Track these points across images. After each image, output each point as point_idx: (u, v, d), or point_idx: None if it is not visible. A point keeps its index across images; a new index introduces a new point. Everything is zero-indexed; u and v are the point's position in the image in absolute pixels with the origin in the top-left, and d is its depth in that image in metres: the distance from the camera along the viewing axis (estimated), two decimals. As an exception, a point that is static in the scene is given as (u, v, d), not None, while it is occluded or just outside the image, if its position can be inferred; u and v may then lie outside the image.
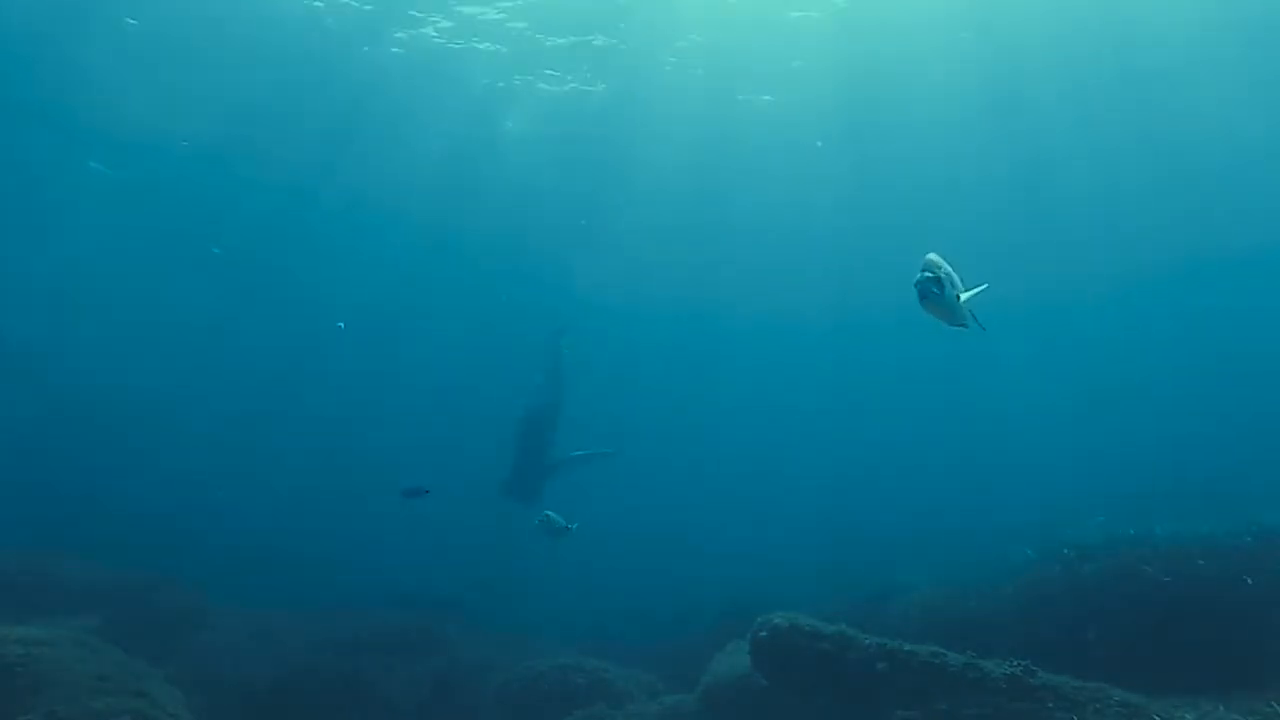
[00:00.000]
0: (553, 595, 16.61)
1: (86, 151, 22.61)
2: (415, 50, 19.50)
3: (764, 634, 7.80)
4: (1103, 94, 20.12)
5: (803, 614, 7.77)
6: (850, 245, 26.09)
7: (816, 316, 30.92)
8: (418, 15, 18.53)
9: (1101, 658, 7.64)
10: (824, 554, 18.06)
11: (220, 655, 11.43)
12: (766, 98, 21.19)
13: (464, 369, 32.74)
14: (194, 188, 24.44)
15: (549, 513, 10.46)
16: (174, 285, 29.12)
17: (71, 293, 28.95)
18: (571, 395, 15.33)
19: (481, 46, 19.39)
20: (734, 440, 33.36)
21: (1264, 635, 7.67)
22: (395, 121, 21.86)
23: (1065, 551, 9.32)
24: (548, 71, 20.32)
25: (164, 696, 7.80)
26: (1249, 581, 8.05)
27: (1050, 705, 6.24)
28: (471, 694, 11.28)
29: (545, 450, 14.09)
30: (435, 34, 18.98)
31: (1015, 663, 6.60)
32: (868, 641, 7.23)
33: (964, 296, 4.41)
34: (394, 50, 19.62)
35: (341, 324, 28.41)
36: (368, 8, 18.18)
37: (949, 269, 4.38)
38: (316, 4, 18.06)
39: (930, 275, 4.24)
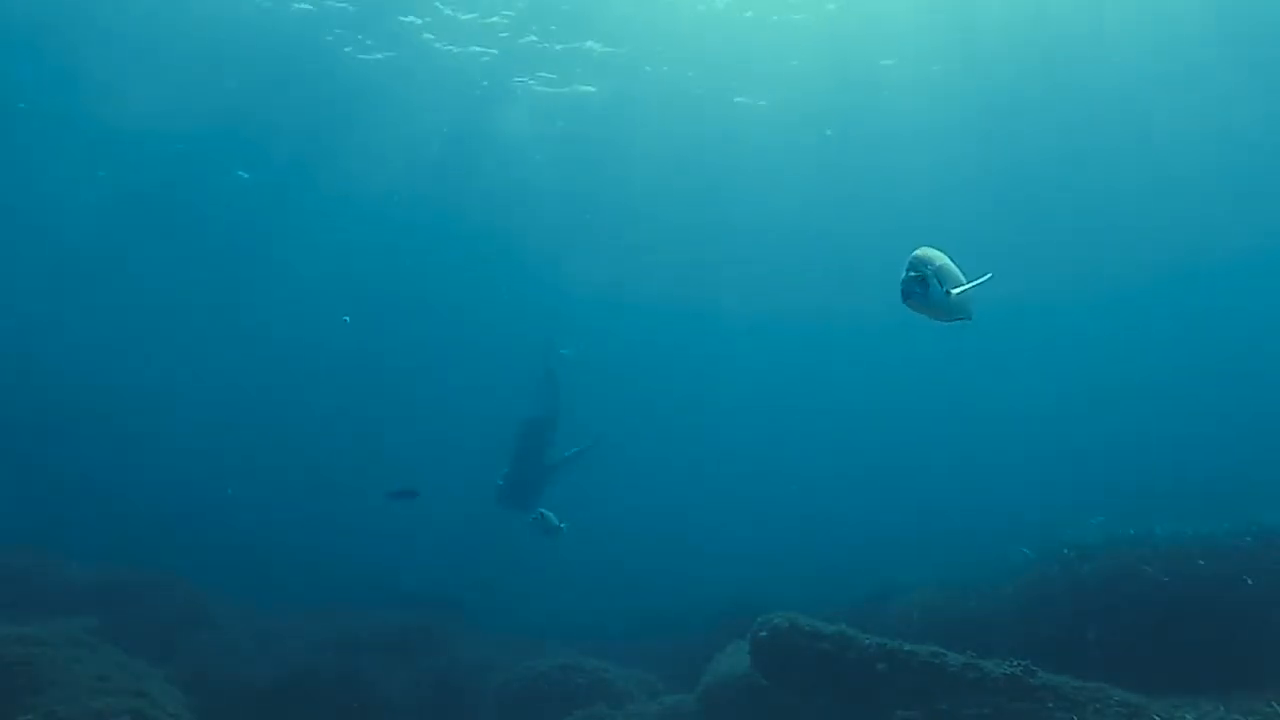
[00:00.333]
0: (553, 595, 16.62)
1: (85, 145, 22.47)
2: (410, 51, 19.51)
3: (764, 634, 7.79)
4: (1103, 93, 20.14)
5: (803, 614, 7.76)
6: (850, 245, 26.10)
7: (817, 316, 30.95)
8: (415, 21, 18.54)
9: (1101, 658, 7.65)
10: (824, 554, 18.07)
11: (220, 655, 11.41)
12: (762, 102, 21.23)
13: (464, 368, 32.77)
14: (191, 185, 24.42)
15: (543, 511, 10.48)
16: (174, 285, 29.13)
17: (72, 289, 28.93)
18: (568, 403, 15.32)
19: (479, 49, 19.42)
20: (734, 440, 33.35)
21: (1264, 635, 7.67)
22: (395, 122, 21.87)
23: (1065, 551, 9.30)
24: (544, 74, 20.34)
25: (164, 696, 7.80)
26: (1249, 581, 8.05)
27: (1050, 705, 6.24)
28: (471, 694, 11.27)
29: (541, 459, 14.07)
30: (433, 37, 18.99)
31: (1015, 663, 6.59)
32: (868, 641, 7.23)
33: (955, 291, 4.29)
34: (388, 52, 19.64)
35: (347, 318, 28.43)
36: (353, 9, 18.20)
37: (942, 263, 4.29)
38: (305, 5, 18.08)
39: (914, 274, 4.17)
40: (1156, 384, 31.07)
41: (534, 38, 19.09)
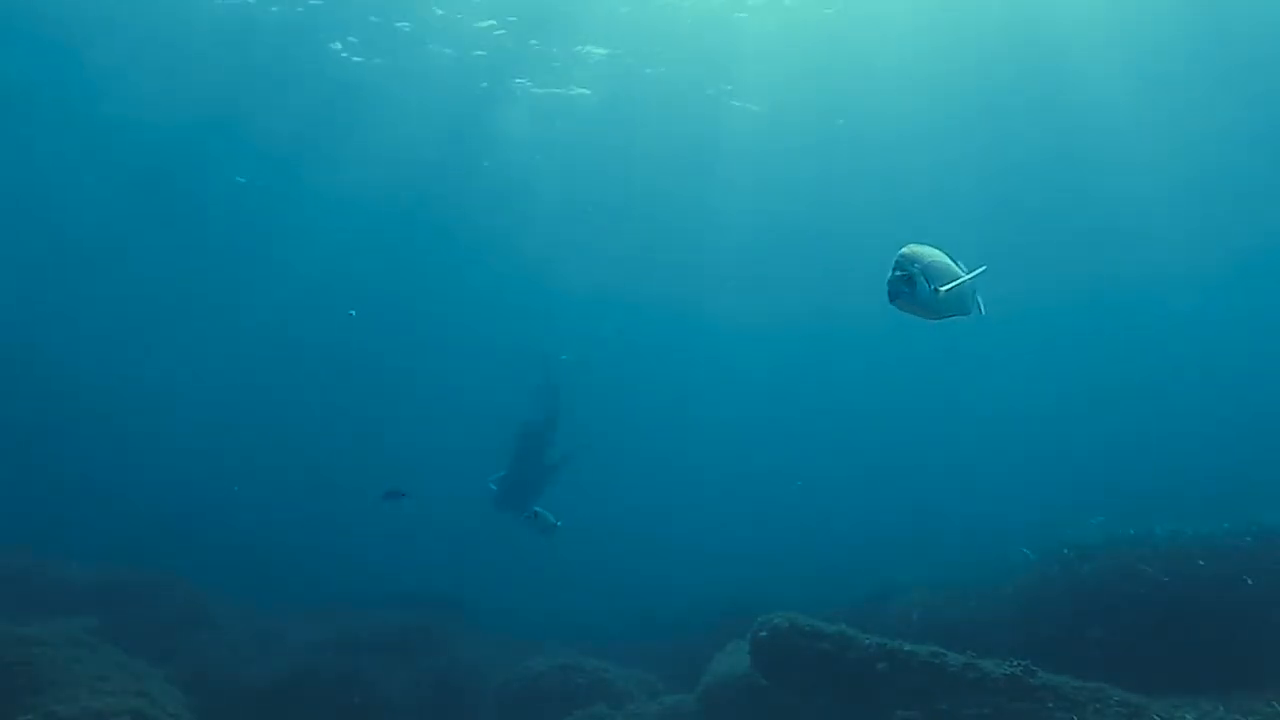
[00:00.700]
0: (553, 595, 16.61)
1: (81, 135, 22.43)
2: (404, 54, 19.53)
3: (764, 634, 7.80)
4: (1098, 94, 20.15)
5: (803, 614, 7.76)
6: (850, 246, 26.10)
7: (817, 316, 30.95)
8: (407, 28, 18.57)
9: (1101, 658, 7.65)
10: (824, 554, 18.07)
11: (220, 655, 11.41)
12: (754, 106, 21.28)
13: (464, 370, 32.79)
14: (189, 180, 24.40)
15: (538, 509, 10.47)
16: (174, 282, 29.13)
17: (71, 285, 28.93)
18: (569, 408, 15.30)
19: (476, 53, 19.45)
20: (734, 441, 33.36)
21: (1264, 635, 7.67)
22: (391, 122, 21.89)
23: (1065, 551, 9.31)
24: (539, 77, 20.37)
25: (164, 696, 7.81)
26: (1249, 581, 8.05)
27: (1050, 705, 6.24)
28: (471, 694, 11.28)
29: (539, 462, 14.06)
30: (429, 38, 19.01)
31: (1015, 663, 6.59)
32: (868, 641, 7.23)
33: (945, 289, 4.14)
34: (382, 55, 19.66)
35: (353, 311, 28.46)
36: (346, 9, 18.24)
37: (930, 260, 4.14)
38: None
39: (900, 274, 4.04)
40: (1156, 384, 31.09)
41: (533, 41, 19.10)
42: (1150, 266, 28.11)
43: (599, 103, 21.11)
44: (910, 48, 18.62)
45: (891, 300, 4.06)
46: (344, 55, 19.65)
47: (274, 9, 18.14)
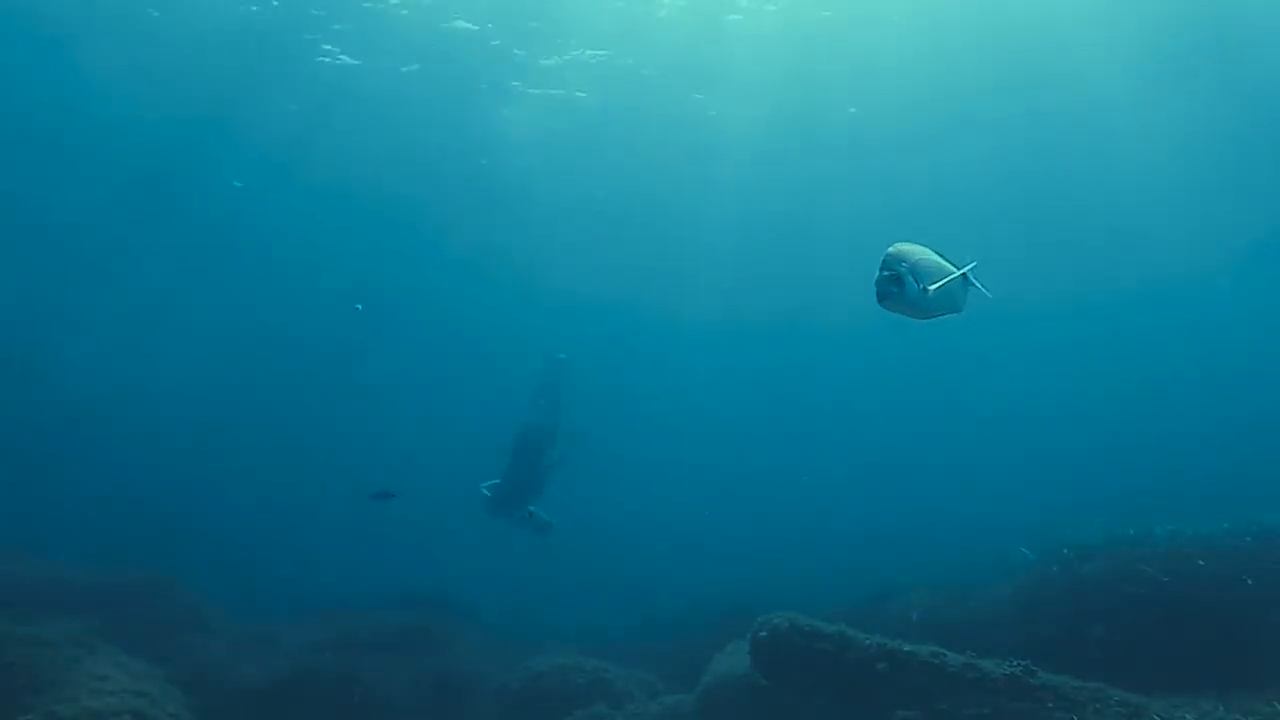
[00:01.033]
0: (553, 595, 16.61)
1: (77, 137, 22.40)
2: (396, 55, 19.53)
3: (764, 634, 7.80)
4: (1093, 95, 20.18)
5: (803, 614, 7.76)
6: (847, 246, 26.09)
7: (818, 316, 30.95)
8: (399, 29, 18.59)
9: (1101, 658, 7.65)
10: (824, 554, 18.07)
11: (220, 655, 11.40)
12: (730, 109, 21.30)
13: (465, 371, 32.79)
14: (186, 180, 24.39)
15: (533, 509, 10.46)
16: (173, 286, 29.13)
17: (69, 287, 28.90)
18: (570, 412, 15.24)
19: (476, 58, 19.47)
20: (734, 441, 33.36)
21: (1264, 635, 7.67)
22: (388, 124, 21.90)
23: (1065, 551, 9.30)
24: (534, 81, 20.41)
25: (164, 696, 7.80)
26: (1249, 581, 8.05)
27: (1050, 705, 6.24)
28: (471, 694, 11.27)
29: (537, 467, 13.99)
30: (424, 41, 19.01)
31: (1015, 663, 6.59)
32: (868, 641, 7.23)
33: (934, 287, 4.04)
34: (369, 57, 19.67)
35: (359, 305, 28.48)
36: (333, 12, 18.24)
37: (919, 259, 4.05)
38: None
39: (888, 273, 3.94)
40: (1156, 384, 31.09)
41: (519, 51, 19.13)
42: (1150, 266, 28.13)
43: (594, 105, 21.12)
44: (909, 48, 18.63)
45: (880, 301, 3.97)
46: (339, 57, 19.63)
47: (264, 10, 18.12)
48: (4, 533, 14.75)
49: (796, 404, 34.98)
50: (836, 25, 18.09)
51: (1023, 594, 9.44)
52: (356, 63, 19.70)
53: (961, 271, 4.23)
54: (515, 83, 20.50)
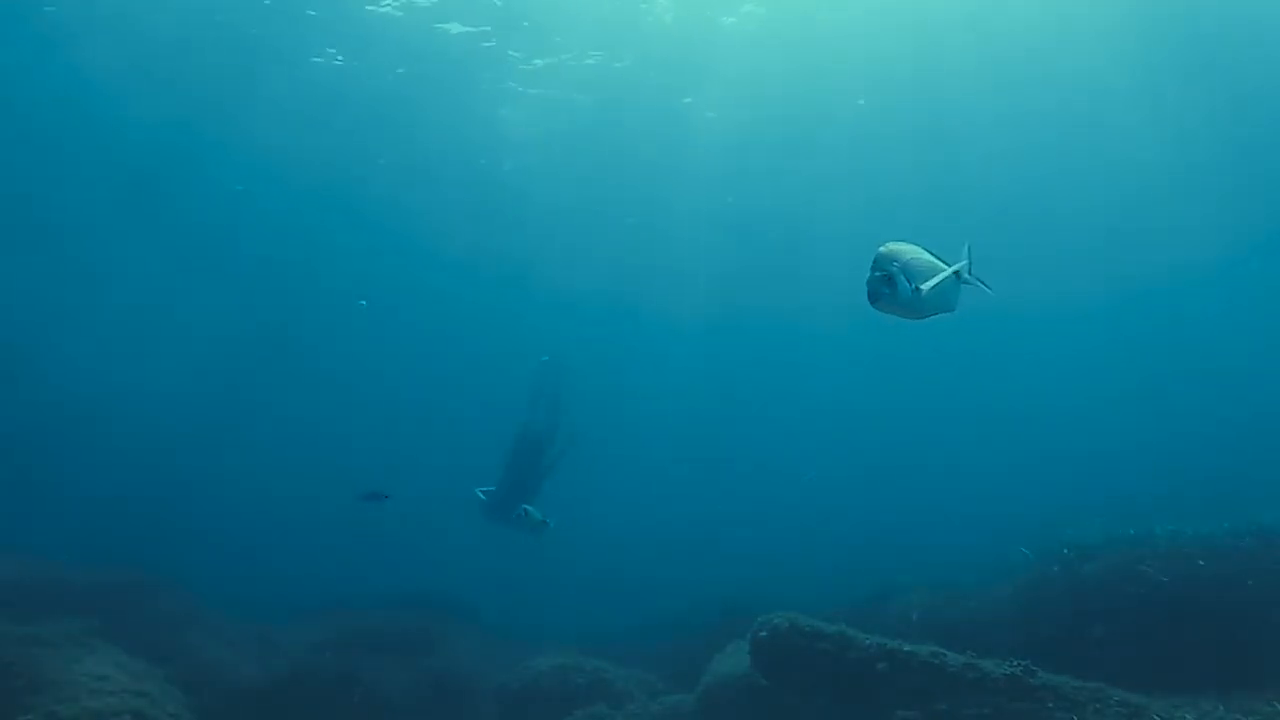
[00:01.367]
0: (553, 595, 16.61)
1: (76, 139, 22.33)
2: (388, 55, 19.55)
3: (764, 634, 7.80)
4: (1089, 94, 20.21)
5: (803, 614, 7.76)
6: (853, 246, 26.08)
7: (816, 317, 30.95)
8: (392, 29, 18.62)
9: (1101, 658, 7.65)
10: (824, 554, 18.07)
11: (220, 655, 11.41)
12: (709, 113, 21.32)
13: (465, 372, 32.80)
14: (174, 185, 24.38)
15: (527, 507, 10.46)
16: (173, 287, 29.13)
17: (68, 288, 28.89)
18: (566, 415, 15.20)
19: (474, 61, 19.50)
20: (735, 441, 33.38)
21: (1264, 635, 7.67)
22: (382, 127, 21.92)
23: (1065, 551, 9.30)
24: (532, 81, 20.43)
25: (164, 696, 7.80)
26: (1249, 582, 8.05)
27: (1050, 705, 6.24)
28: (471, 694, 11.27)
29: (534, 471, 13.96)
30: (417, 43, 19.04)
31: (1015, 663, 6.59)
32: (868, 641, 7.23)
33: (927, 286, 3.94)
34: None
35: (364, 301, 28.49)
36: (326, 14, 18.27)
37: (910, 258, 3.95)
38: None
39: (880, 274, 3.85)
40: (1156, 384, 31.09)
41: (513, 52, 19.14)
42: (1150, 266, 28.14)
43: (589, 106, 21.15)
44: (907, 46, 18.64)
45: (872, 302, 3.88)
46: (334, 59, 19.62)
47: (260, 12, 18.11)
48: (4, 533, 14.75)
49: (797, 404, 34.99)
50: (827, 25, 18.12)
51: (1023, 594, 9.44)
52: (353, 64, 19.68)
53: (953, 269, 4.15)
54: (511, 84, 20.51)
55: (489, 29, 18.48)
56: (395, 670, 11.13)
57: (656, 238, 27.53)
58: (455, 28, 18.41)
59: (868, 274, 3.89)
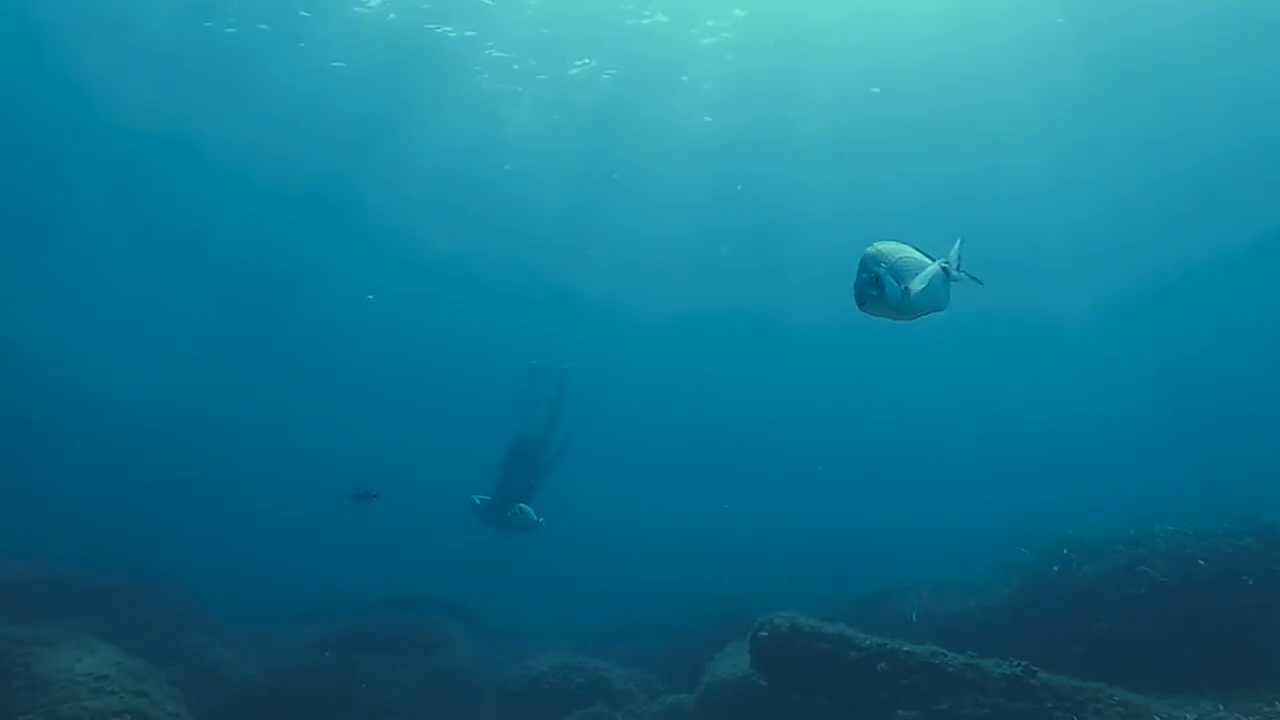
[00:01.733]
0: (553, 595, 16.60)
1: (65, 141, 22.31)
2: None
3: (764, 634, 7.80)
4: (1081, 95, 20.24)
5: (803, 614, 7.77)
6: (851, 248, 26.06)
7: (816, 317, 30.94)
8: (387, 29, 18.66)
9: (1101, 658, 7.65)
10: (824, 554, 18.08)
11: (220, 655, 11.42)
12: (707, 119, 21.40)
13: (465, 374, 32.78)
14: (183, 186, 24.38)
15: (521, 506, 10.45)
16: (176, 297, 29.14)
17: (65, 293, 28.90)
18: (566, 426, 15.19)
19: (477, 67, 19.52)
20: (735, 441, 33.36)
21: (1264, 635, 7.67)
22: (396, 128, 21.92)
23: (1065, 551, 9.31)
24: (533, 86, 20.47)
25: (164, 696, 7.79)
26: (1249, 582, 8.05)
27: (1050, 705, 6.25)
28: (471, 694, 11.27)
29: (531, 474, 13.95)
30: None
31: (1015, 663, 6.60)
32: (868, 641, 7.24)
33: (916, 286, 3.86)
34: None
35: (371, 296, 28.50)
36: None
37: (898, 258, 3.86)
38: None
39: (867, 275, 3.77)
40: (1156, 384, 31.09)
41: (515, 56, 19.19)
42: (1151, 266, 28.12)
43: (587, 110, 21.17)
44: (903, 45, 18.68)
45: (860, 305, 3.80)
46: (331, 62, 19.64)
47: (256, 13, 18.10)
48: (6, 536, 14.74)
49: (798, 403, 34.98)
50: (814, 30, 18.17)
51: (1023, 594, 9.45)
52: (349, 67, 19.68)
53: (939, 264, 4.06)
54: (514, 88, 20.53)
55: (488, 34, 18.51)
56: (395, 670, 11.11)
57: (658, 239, 27.54)
58: (454, 31, 18.43)
59: (855, 276, 3.82)
